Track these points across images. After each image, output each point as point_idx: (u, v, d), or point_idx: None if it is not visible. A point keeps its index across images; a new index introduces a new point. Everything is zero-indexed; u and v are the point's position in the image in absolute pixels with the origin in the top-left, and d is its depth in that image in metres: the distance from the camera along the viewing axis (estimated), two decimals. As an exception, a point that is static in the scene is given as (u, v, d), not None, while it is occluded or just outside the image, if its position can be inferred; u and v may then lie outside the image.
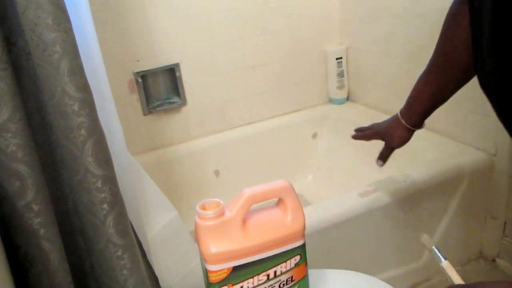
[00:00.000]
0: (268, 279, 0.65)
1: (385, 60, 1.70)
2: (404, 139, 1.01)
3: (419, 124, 0.99)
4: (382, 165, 1.08)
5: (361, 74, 1.87)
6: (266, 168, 1.83)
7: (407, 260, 1.39)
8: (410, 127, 0.98)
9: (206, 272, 0.63)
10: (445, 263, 0.61)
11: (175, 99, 1.71)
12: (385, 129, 1.04)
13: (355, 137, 1.14)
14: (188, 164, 1.74)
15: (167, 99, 1.71)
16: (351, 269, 0.81)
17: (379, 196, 1.25)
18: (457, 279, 0.58)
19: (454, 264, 1.62)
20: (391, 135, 1.02)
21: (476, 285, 0.52)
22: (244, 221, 0.64)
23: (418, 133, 1.59)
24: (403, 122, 0.98)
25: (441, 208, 1.38)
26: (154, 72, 1.65)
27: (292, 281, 0.67)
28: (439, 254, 0.63)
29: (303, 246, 0.67)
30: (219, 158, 1.79)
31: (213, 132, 1.80)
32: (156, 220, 0.98)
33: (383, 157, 1.08)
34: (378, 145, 1.09)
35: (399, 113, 1.00)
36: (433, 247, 0.65)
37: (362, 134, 1.12)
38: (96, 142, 0.72)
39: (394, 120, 1.02)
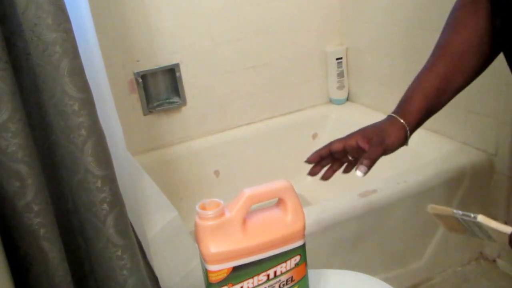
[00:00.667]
0: (268, 279, 0.65)
1: (385, 60, 1.70)
2: (400, 140, 0.79)
3: (415, 127, 0.81)
4: (366, 172, 0.78)
5: (361, 74, 1.87)
6: (266, 168, 1.83)
7: (407, 260, 1.39)
8: (407, 127, 0.80)
9: (206, 272, 0.63)
10: (481, 217, 0.58)
11: (175, 99, 1.71)
12: (374, 129, 0.81)
13: (312, 159, 0.84)
14: (188, 164, 1.74)
15: (167, 99, 1.71)
16: (351, 269, 0.81)
17: (379, 196, 1.25)
18: (505, 228, 0.55)
19: (454, 264, 1.63)
20: (385, 133, 0.79)
21: None
22: (244, 221, 0.63)
23: (418, 133, 1.60)
24: (401, 120, 0.79)
25: (441, 208, 1.38)
26: (154, 72, 1.65)
27: (292, 281, 0.67)
28: (466, 213, 0.60)
29: (303, 246, 0.67)
30: (219, 158, 1.79)
31: (213, 132, 1.80)
32: (156, 220, 0.98)
33: (372, 159, 0.77)
34: None
35: (392, 114, 0.82)
36: (454, 211, 0.62)
37: (331, 144, 0.82)
38: (96, 142, 0.72)
39: (386, 120, 0.82)
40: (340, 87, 1.93)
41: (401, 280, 1.38)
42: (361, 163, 0.77)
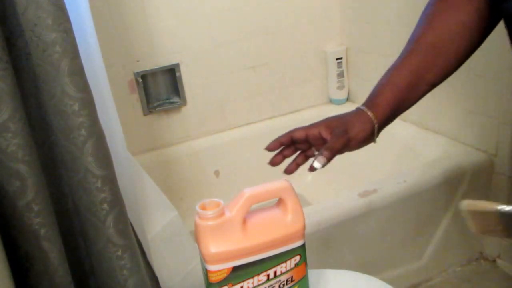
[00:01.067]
0: (268, 279, 0.65)
1: (385, 60, 1.69)
2: (366, 133, 0.74)
3: (382, 122, 0.75)
4: (325, 163, 0.71)
5: (361, 74, 1.87)
6: (266, 168, 1.82)
7: (407, 260, 1.39)
8: (374, 120, 0.74)
9: (206, 272, 0.63)
10: None
11: (175, 99, 1.71)
12: (338, 120, 0.77)
13: (272, 146, 0.79)
14: (188, 164, 1.74)
15: (167, 99, 1.71)
16: (351, 269, 0.81)
17: (379, 196, 1.25)
18: None
19: (454, 264, 1.62)
20: (349, 124, 0.75)
21: None
22: (244, 221, 0.63)
23: (418, 134, 1.60)
24: (368, 112, 0.74)
25: (441, 209, 1.38)
26: (154, 72, 1.65)
27: (292, 281, 0.67)
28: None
29: (303, 246, 0.67)
30: (219, 158, 1.79)
31: (213, 132, 1.80)
32: (156, 220, 0.98)
33: (333, 150, 0.71)
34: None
35: (360, 106, 0.77)
36: (499, 206, 0.57)
37: (293, 132, 0.77)
38: (96, 142, 0.72)
39: (352, 112, 0.77)
40: (340, 87, 1.93)
41: (401, 280, 1.38)
42: (321, 154, 0.71)
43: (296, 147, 0.79)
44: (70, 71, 0.68)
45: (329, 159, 0.71)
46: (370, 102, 0.76)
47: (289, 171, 0.79)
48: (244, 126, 1.85)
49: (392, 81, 0.76)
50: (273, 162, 0.80)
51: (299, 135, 0.77)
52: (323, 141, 0.75)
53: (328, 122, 0.77)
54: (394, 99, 0.75)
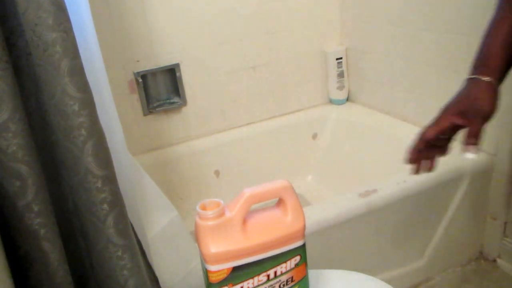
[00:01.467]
0: (268, 279, 0.65)
1: (385, 60, 1.70)
2: (494, 99, 0.73)
3: (500, 80, 0.76)
4: (477, 151, 0.73)
5: (361, 74, 1.87)
6: (266, 168, 1.83)
7: (407, 260, 1.39)
8: (494, 84, 0.74)
9: (206, 272, 0.63)
10: None
11: (175, 99, 1.71)
12: (464, 101, 0.76)
13: (413, 158, 0.81)
14: (188, 164, 1.74)
15: (167, 99, 1.71)
16: (351, 269, 0.81)
17: (379, 196, 1.25)
18: None
19: (454, 264, 1.62)
20: (477, 100, 0.74)
21: None
22: (244, 221, 0.64)
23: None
24: (484, 78, 0.74)
25: (441, 209, 1.38)
26: (154, 72, 1.65)
27: (292, 281, 0.67)
28: None
29: (303, 247, 0.67)
30: (219, 158, 1.79)
31: (213, 132, 1.80)
32: (156, 220, 0.98)
33: (477, 135, 0.73)
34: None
35: (472, 75, 0.76)
36: None
37: (424, 135, 0.78)
38: (96, 142, 0.72)
39: (469, 86, 0.76)
40: (340, 87, 1.93)
41: (401, 280, 1.38)
42: (468, 144, 0.73)
43: (427, 144, 0.81)
44: (70, 71, 0.68)
45: (478, 144, 0.73)
46: (482, 67, 0.76)
47: (430, 169, 0.83)
48: (244, 126, 1.85)
49: (497, 40, 0.76)
50: (417, 171, 0.84)
51: (431, 135, 0.78)
52: (456, 127, 0.76)
53: (455, 109, 0.77)
54: (504, 56, 0.75)
